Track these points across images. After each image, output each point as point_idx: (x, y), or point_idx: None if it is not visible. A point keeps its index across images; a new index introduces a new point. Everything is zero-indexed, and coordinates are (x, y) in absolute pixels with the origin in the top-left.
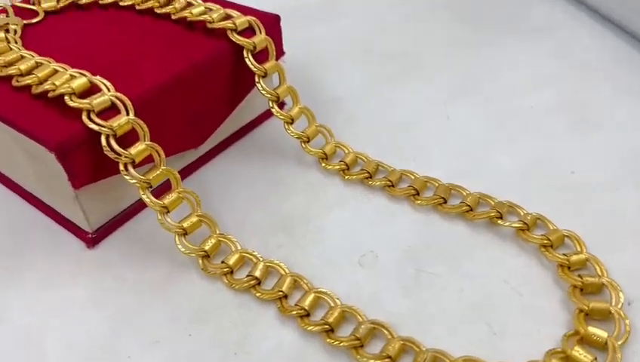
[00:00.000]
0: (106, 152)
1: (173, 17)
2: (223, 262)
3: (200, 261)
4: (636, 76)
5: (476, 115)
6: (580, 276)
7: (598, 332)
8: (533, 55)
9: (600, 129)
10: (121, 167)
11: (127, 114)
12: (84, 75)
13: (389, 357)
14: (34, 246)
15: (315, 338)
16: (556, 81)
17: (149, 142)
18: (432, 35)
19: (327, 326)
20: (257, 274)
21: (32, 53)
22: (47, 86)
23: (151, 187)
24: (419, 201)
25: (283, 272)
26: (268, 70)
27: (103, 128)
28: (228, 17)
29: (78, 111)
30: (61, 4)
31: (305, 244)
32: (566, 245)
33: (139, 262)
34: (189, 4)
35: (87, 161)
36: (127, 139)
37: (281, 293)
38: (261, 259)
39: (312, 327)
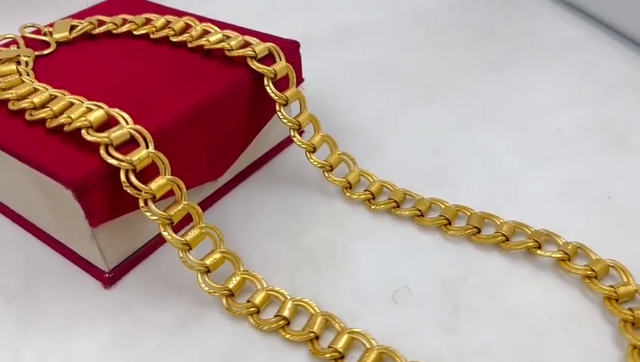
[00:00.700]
0: (125, 188)
1: (189, 45)
2: (248, 301)
3: (224, 300)
4: None
5: (502, 138)
6: (630, 309)
7: None
8: (557, 74)
9: (635, 147)
10: (141, 203)
11: (147, 147)
12: (101, 108)
13: None
14: (48, 288)
15: None
16: (583, 102)
17: (169, 176)
18: (448, 57)
19: None
20: (286, 313)
21: (45, 85)
22: (62, 119)
23: (172, 223)
24: (451, 231)
25: (313, 311)
26: (289, 98)
27: (122, 163)
28: (247, 45)
29: (95, 146)
30: (74, 35)
31: (333, 279)
32: (611, 275)
33: (159, 302)
34: (206, 32)
35: (105, 198)
36: (147, 173)
37: (312, 334)
38: (289, 298)
39: None
